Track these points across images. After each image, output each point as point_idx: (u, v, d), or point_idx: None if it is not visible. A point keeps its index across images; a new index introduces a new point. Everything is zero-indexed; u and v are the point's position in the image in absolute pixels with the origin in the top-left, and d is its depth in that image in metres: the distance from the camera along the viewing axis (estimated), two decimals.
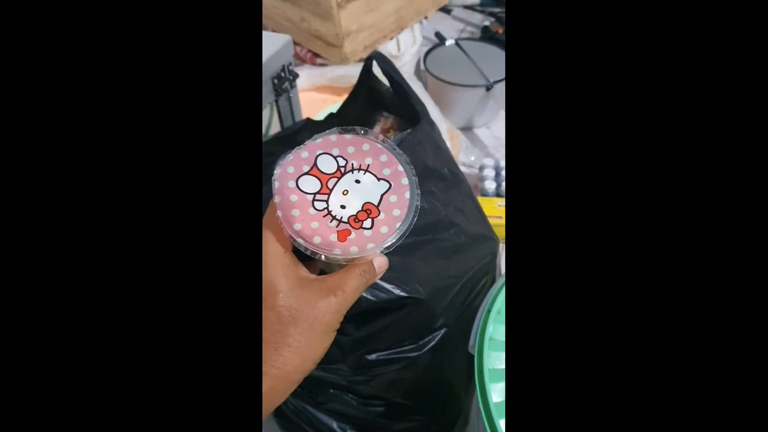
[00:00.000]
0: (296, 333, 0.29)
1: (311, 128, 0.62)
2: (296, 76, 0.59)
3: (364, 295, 0.40)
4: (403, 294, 0.41)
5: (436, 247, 0.48)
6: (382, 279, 0.41)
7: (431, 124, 0.57)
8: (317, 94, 0.98)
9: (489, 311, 0.44)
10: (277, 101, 0.59)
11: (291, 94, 0.60)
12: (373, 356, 0.44)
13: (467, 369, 0.52)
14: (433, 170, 0.54)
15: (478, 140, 1.04)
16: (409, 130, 0.52)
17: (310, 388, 0.53)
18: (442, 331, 0.46)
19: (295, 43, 1.01)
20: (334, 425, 0.53)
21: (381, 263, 0.33)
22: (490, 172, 0.89)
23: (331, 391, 0.50)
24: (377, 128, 0.65)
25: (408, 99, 0.56)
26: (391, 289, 0.41)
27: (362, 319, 0.42)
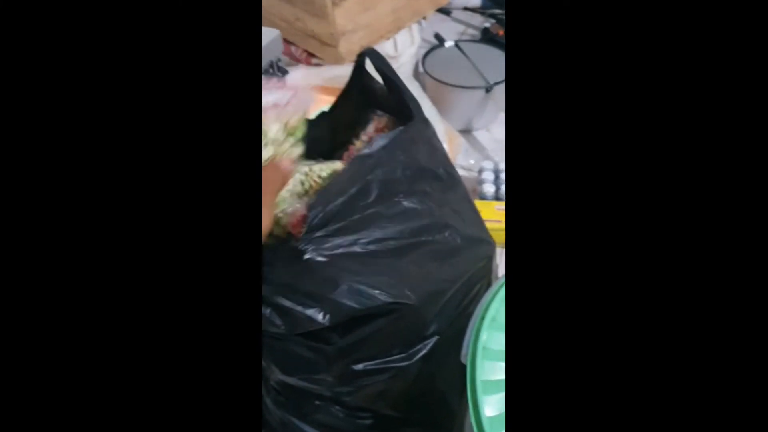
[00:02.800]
0: None
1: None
2: (285, 72, 0.57)
3: (347, 302, 0.38)
4: (388, 300, 0.39)
5: (430, 249, 0.46)
6: (366, 284, 0.39)
7: (425, 122, 0.55)
8: None
9: (483, 318, 0.41)
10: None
11: None
12: (359, 366, 0.42)
13: (461, 378, 0.49)
14: (428, 170, 0.52)
15: (477, 143, 1.02)
16: (401, 128, 0.50)
17: (295, 398, 0.50)
18: (434, 338, 0.44)
19: (290, 43, 0.99)
20: None
21: None
22: (489, 175, 0.87)
23: (317, 402, 0.47)
24: (371, 127, 0.62)
25: (401, 96, 0.54)
26: (376, 294, 0.39)
27: (347, 326, 0.40)
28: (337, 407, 0.47)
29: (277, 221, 0.43)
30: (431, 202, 0.49)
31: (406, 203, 0.46)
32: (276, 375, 0.46)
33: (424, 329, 0.43)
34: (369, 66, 0.59)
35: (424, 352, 0.43)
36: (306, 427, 0.50)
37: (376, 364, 0.42)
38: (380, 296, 0.39)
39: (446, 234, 0.48)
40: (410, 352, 0.43)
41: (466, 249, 0.49)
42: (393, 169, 0.47)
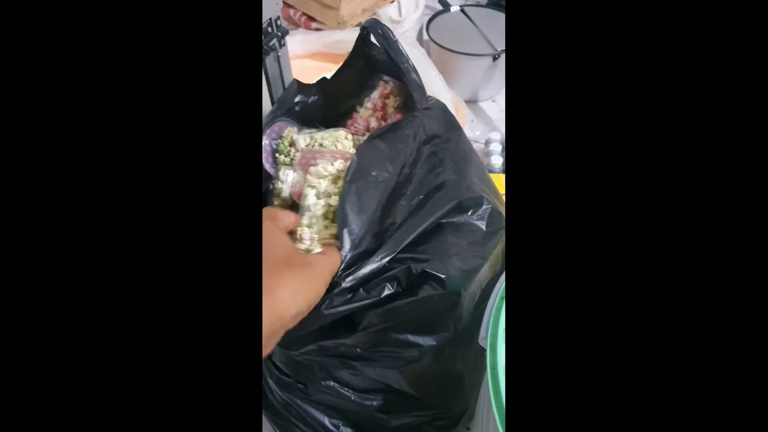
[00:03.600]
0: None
1: (304, 92, 0.55)
2: (285, 32, 0.53)
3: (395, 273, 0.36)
4: (435, 273, 0.37)
5: (466, 227, 0.43)
6: (416, 256, 0.37)
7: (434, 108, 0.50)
8: (312, 62, 0.91)
9: (503, 297, 0.38)
10: (263, 61, 0.52)
11: (280, 53, 0.53)
12: (389, 335, 0.39)
13: (479, 360, 0.47)
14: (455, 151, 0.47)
15: (484, 114, 0.98)
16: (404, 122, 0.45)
17: (298, 377, 0.47)
18: (461, 318, 0.41)
19: (289, 6, 0.94)
20: (326, 421, 0.48)
21: None
22: (497, 147, 0.84)
23: (323, 383, 0.44)
24: (376, 94, 0.58)
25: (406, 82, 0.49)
26: (426, 268, 0.37)
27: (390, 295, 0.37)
28: (346, 388, 0.44)
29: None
30: (470, 178, 0.45)
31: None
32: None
33: (457, 308, 0.40)
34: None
35: (452, 332, 0.40)
36: (311, 410, 0.48)
37: (406, 337, 0.39)
38: (426, 269, 0.37)
39: (483, 209, 0.44)
40: (440, 333, 0.40)
41: (495, 223, 0.46)
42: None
